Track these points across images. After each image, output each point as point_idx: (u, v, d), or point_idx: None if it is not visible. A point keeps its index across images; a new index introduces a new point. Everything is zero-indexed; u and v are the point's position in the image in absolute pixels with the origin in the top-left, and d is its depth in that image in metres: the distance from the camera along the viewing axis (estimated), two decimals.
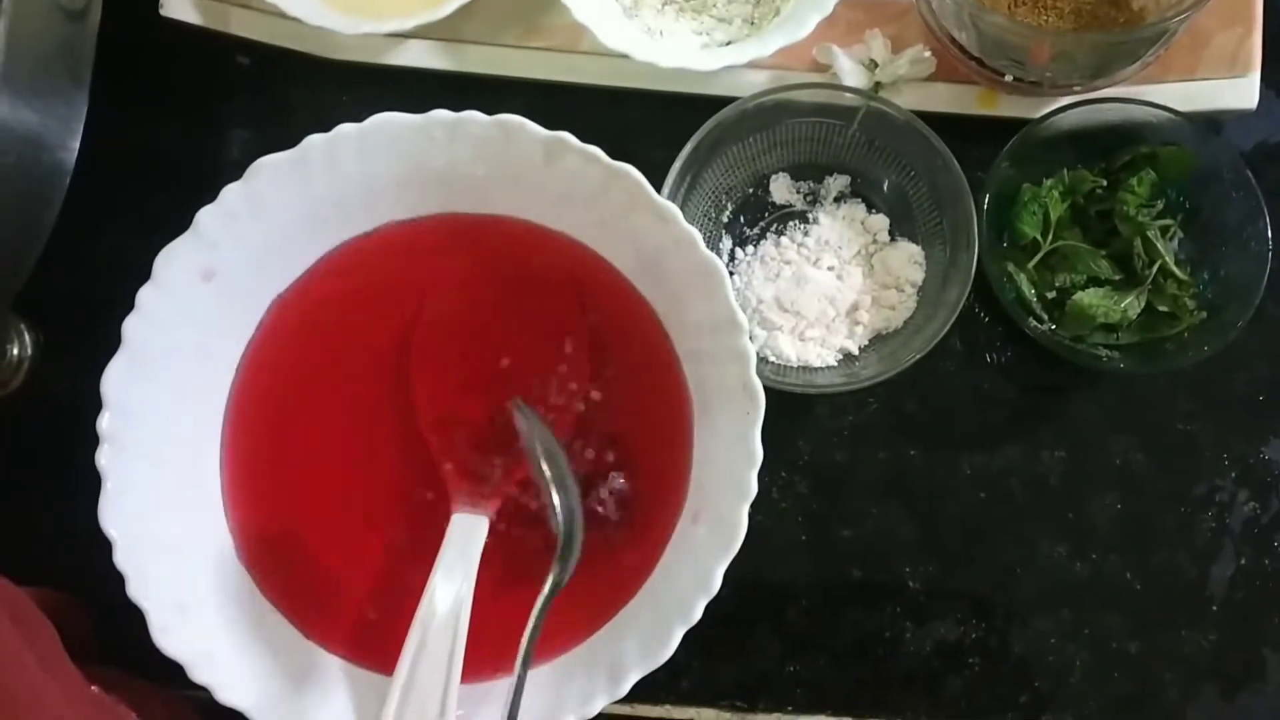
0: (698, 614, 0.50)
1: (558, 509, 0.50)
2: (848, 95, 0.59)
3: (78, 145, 0.59)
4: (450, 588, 0.52)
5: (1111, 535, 0.60)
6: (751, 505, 0.60)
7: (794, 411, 0.61)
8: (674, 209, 0.52)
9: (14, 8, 0.52)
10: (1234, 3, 0.60)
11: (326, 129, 0.54)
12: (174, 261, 0.53)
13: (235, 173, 0.57)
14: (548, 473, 0.50)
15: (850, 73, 0.61)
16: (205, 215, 0.53)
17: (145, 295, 0.52)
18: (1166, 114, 0.57)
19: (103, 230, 0.65)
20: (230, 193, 0.53)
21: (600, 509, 0.55)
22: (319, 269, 0.57)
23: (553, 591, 0.49)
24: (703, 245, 0.52)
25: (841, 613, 0.60)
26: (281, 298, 0.57)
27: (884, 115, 0.59)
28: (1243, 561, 0.60)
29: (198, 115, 0.66)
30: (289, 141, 0.54)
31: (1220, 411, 0.61)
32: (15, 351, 0.63)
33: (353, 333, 0.58)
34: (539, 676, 0.51)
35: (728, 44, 0.63)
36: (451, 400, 0.56)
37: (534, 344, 0.56)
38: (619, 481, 0.55)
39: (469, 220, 0.58)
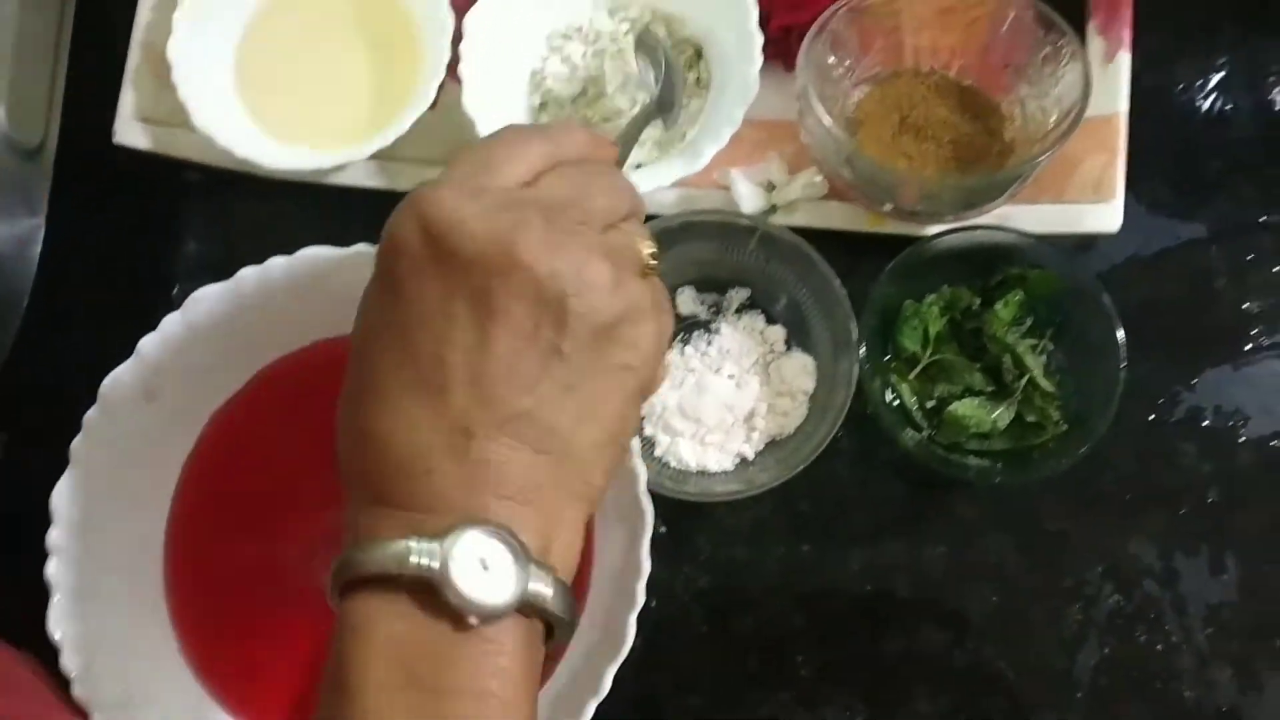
0: (588, 715, 0.55)
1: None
2: (743, 219, 0.64)
3: (35, 269, 0.64)
4: None
5: (987, 626, 0.65)
6: (655, 598, 0.66)
7: (696, 510, 0.66)
8: None
9: None
10: (1100, 131, 0.65)
11: (273, 240, 0.59)
12: (118, 386, 0.58)
13: (188, 282, 0.62)
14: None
15: (748, 196, 0.66)
16: (147, 343, 0.58)
17: (91, 418, 0.57)
18: (1032, 240, 0.62)
19: (65, 335, 0.70)
20: (169, 322, 0.58)
21: None
22: (254, 384, 0.62)
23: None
24: None
25: (739, 700, 0.65)
26: (220, 411, 0.62)
27: (776, 238, 0.64)
28: (1106, 651, 0.64)
29: (152, 228, 0.71)
30: (239, 251, 0.59)
31: (1089, 510, 0.66)
32: None
33: (286, 442, 0.62)
34: None
35: (638, 166, 0.68)
36: None
37: None
38: None
39: None
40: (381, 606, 0.38)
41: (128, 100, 0.69)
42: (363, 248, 0.59)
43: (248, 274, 0.59)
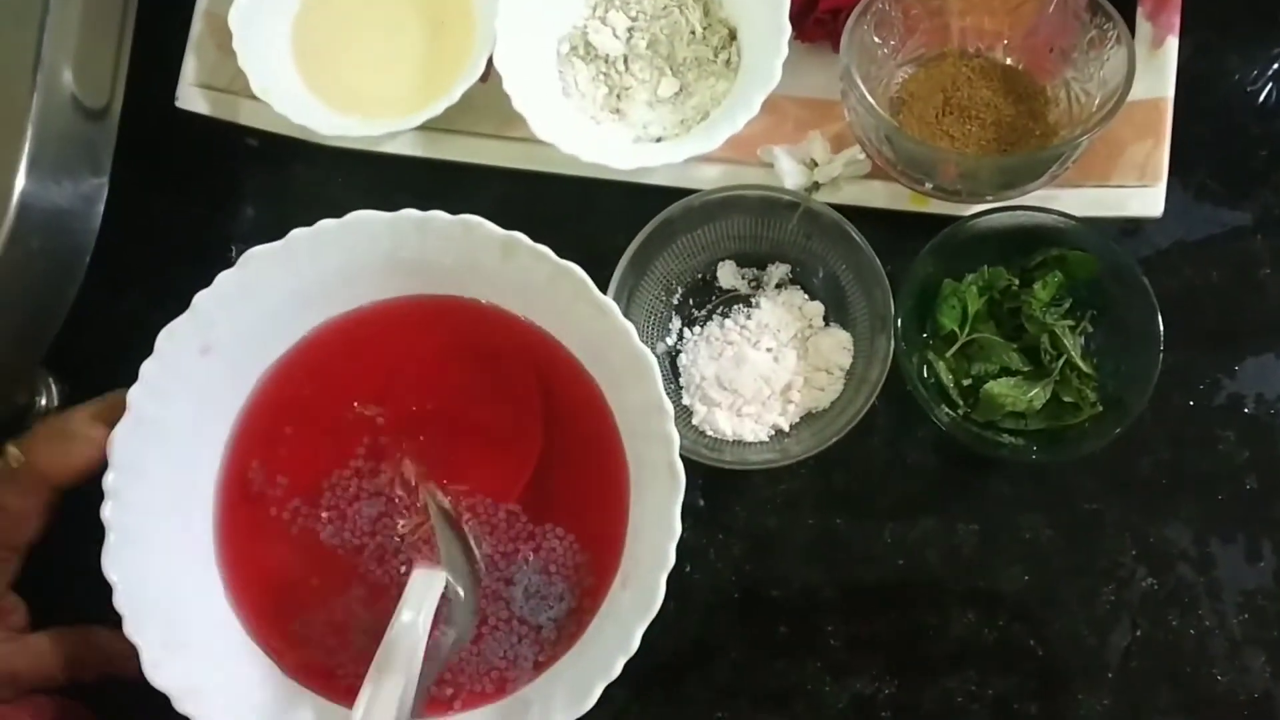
0: (617, 671, 0.56)
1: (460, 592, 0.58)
2: (786, 195, 0.65)
3: (98, 226, 0.66)
4: (407, 635, 0.58)
5: (1017, 603, 0.65)
6: (690, 564, 0.67)
7: (732, 479, 0.67)
8: (611, 304, 0.59)
9: (39, 114, 0.60)
10: (1146, 116, 0.65)
11: (325, 205, 0.61)
12: (174, 338, 0.60)
13: (244, 244, 0.63)
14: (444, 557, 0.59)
15: (790, 172, 0.67)
16: (202, 298, 0.60)
17: (148, 368, 0.59)
18: (1072, 222, 0.62)
19: (124, 294, 0.72)
20: (224, 278, 0.60)
21: (546, 577, 0.61)
22: (306, 342, 0.64)
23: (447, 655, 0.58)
24: (636, 338, 0.58)
25: (767, 666, 0.66)
26: (272, 367, 0.64)
27: (817, 214, 0.65)
28: (1138, 633, 0.65)
29: (210, 192, 0.74)
30: (292, 216, 0.61)
31: (1124, 492, 0.66)
32: (44, 402, 0.71)
33: (335, 400, 0.64)
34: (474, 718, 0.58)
35: (659, 140, 0.69)
36: (422, 461, 0.63)
37: (496, 415, 0.63)
38: (563, 545, 0.62)
39: (440, 301, 0.64)
40: None
41: (190, 67, 0.71)
42: (409, 212, 0.61)
43: (299, 234, 0.60)
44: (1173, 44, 0.66)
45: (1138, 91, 0.63)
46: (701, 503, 0.68)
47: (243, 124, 0.71)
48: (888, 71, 0.66)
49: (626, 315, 0.65)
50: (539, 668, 0.60)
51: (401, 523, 0.62)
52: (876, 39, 0.64)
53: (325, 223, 0.61)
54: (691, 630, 0.66)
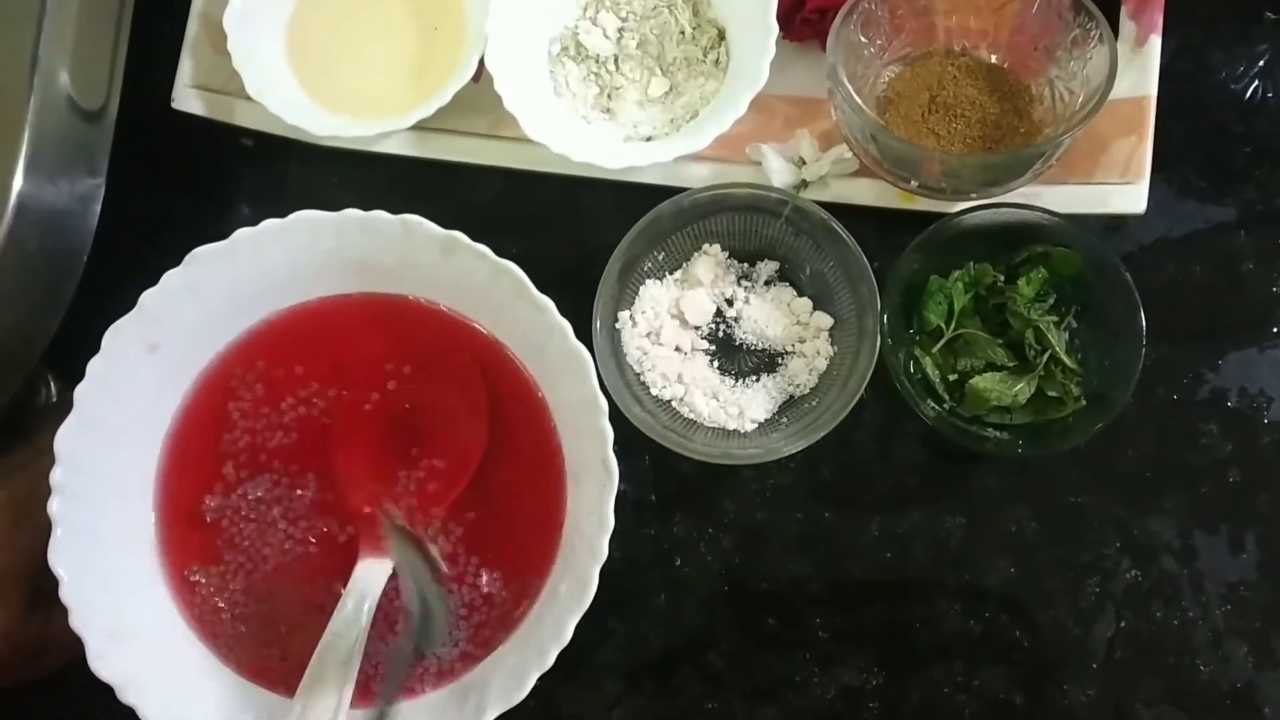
0: (550, 661, 0.57)
1: (414, 613, 0.58)
2: (774, 193, 0.66)
3: (95, 225, 0.67)
4: (350, 626, 0.59)
5: (1003, 595, 0.66)
6: (680, 557, 0.68)
7: (721, 474, 0.68)
8: (549, 302, 0.60)
9: (36, 116, 0.61)
10: (1129, 114, 0.66)
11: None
12: (121, 336, 0.61)
13: None
14: (410, 587, 0.58)
15: (778, 171, 0.68)
16: (149, 297, 0.61)
17: (94, 365, 0.60)
18: (1056, 219, 0.63)
19: (122, 292, 0.73)
20: (170, 277, 0.61)
21: (484, 573, 0.63)
22: (250, 338, 0.65)
23: (405, 662, 0.59)
24: (572, 335, 0.59)
25: (756, 658, 0.67)
26: (217, 363, 0.65)
27: (805, 212, 0.65)
28: (1122, 624, 0.65)
29: (206, 191, 0.75)
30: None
31: (1109, 485, 0.67)
32: (43, 398, 0.72)
33: (279, 396, 0.65)
34: (413, 708, 0.60)
35: (649, 139, 0.70)
36: (365, 452, 0.64)
37: (439, 411, 0.64)
38: (490, 587, 0.63)
39: (384, 300, 0.66)
40: None
41: (186, 68, 0.72)
42: (351, 212, 0.62)
43: (243, 234, 0.61)
44: (1155, 43, 0.66)
45: (1121, 89, 0.63)
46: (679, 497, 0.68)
47: (238, 124, 0.72)
48: (874, 70, 0.66)
49: (615, 313, 0.67)
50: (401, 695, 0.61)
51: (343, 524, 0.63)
52: (863, 38, 0.65)
53: (269, 222, 0.62)
54: (682, 623, 0.67)
